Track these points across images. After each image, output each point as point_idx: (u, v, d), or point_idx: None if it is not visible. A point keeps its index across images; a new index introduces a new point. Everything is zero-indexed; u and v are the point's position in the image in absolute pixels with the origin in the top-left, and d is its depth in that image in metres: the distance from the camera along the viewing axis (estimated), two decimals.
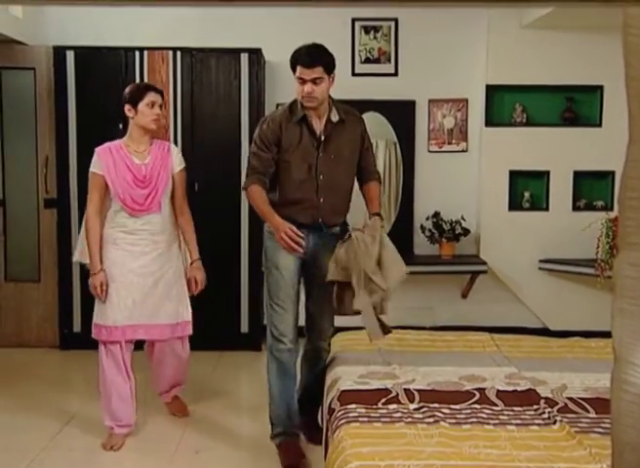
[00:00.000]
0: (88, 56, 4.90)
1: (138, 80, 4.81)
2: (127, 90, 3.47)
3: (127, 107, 3.40)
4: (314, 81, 3.07)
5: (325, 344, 3.43)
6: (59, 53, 4.89)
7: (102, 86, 4.86)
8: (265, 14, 5.09)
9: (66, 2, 1.09)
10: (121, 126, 3.39)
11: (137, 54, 4.88)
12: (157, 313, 3.44)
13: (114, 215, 3.39)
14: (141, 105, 3.38)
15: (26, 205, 5.07)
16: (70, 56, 4.87)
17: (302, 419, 3.41)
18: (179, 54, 4.91)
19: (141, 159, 3.44)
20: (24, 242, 5.12)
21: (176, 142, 4.92)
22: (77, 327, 4.97)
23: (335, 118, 3.21)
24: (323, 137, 3.20)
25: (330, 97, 3.24)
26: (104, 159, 3.38)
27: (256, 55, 4.92)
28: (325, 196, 3.22)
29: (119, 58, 4.89)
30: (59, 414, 3.78)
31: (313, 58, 3.07)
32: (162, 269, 3.45)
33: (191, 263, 3.56)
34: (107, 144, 3.46)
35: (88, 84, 4.88)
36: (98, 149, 3.44)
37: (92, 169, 3.42)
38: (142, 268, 3.41)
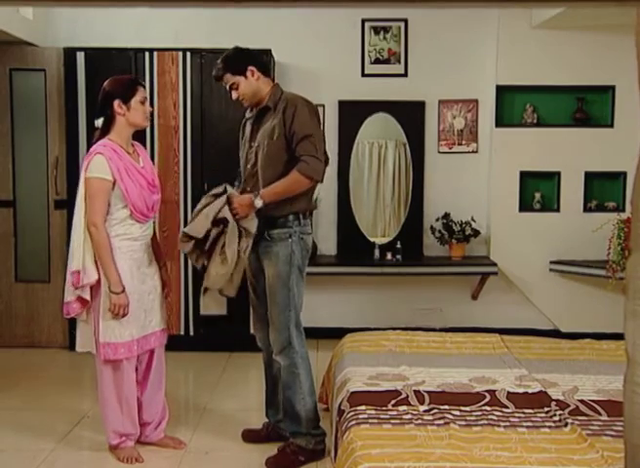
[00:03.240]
0: (98, 57, 4.91)
1: (148, 81, 4.82)
2: (111, 84, 3.19)
3: (117, 103, 3.10)
4: (232, 87, 3.19)
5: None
6: (69, 54, 4.91)
7: None
8: (275, 15, 5.09)
9: (73, 3, 1.09)
10: (99, 123, 3.17)
11: (146, 55, 4.89)
12: (157, 319, 3.30)
13: (118, 224, 3.11)
14: (134, 102, 3.13)
15: (36, 206, 5.10)
16: (80, 57, 4.89)
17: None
18: (188, 55, 4.92)
19: (137, 161, 3.20)
20: (35, 243, 5.14)
21: (185, 143, 4.93)
22: None
23: (261, 105, 3.22)
24: (251, 127, 3.26)
25: (276, 86, 3.23)
26: (115, 162, 3.06)
27: (265, 56, 4.91)
28: (249, 186, 3.23)
29: (129, 59, 4.90)
30: (69, 415, 3.79)
31: (217, 72, 3.20)
32: (156, 274, 3.32)
33: (163, 266, 3.40)
34: (105, 145, 3.11)
35: (98, 85, 4.81)
36: (101, 151, 3.07)
37: (96, 174, 3.05)
38: (145, 275, 3.24)
